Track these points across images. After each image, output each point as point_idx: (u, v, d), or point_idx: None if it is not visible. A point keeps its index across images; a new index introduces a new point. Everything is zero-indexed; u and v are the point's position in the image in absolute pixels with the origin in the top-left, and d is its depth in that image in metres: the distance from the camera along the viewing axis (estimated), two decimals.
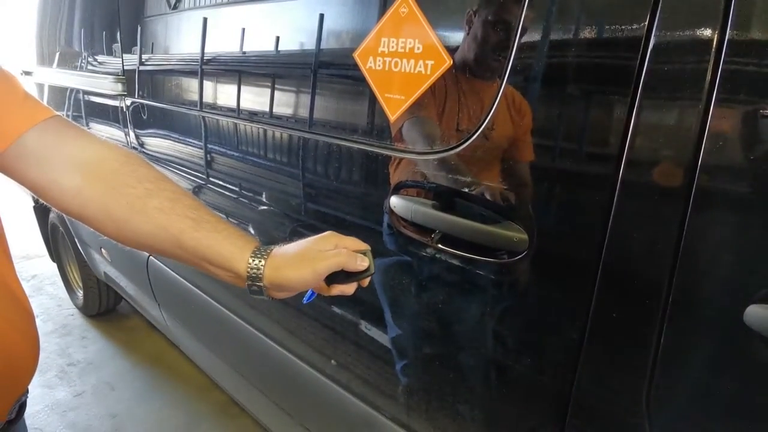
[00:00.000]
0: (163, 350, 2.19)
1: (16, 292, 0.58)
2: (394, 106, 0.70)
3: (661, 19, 0.48)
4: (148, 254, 1.58)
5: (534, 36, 0.57)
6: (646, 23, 0.48)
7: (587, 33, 0.53)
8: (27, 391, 0.61)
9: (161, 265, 1.51)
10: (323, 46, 0.83)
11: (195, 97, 1.19)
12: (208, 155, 1.22)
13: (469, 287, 0.70)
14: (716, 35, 0.45)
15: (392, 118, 0.71)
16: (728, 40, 0.44)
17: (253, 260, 0.53)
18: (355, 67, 0.74)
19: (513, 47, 0.58)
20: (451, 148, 0.66)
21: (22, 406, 0.61)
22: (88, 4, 1.71)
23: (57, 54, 1.97)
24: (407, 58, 0.67)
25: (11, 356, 0.55)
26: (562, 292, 0.60)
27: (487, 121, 0.62)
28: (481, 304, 0.69)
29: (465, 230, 0.65)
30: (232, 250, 0.54)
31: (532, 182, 0.60)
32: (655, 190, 0.50)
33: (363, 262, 0.53)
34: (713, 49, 0.45)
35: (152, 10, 1.34)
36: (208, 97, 1.16)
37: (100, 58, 1.62)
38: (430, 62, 0.65)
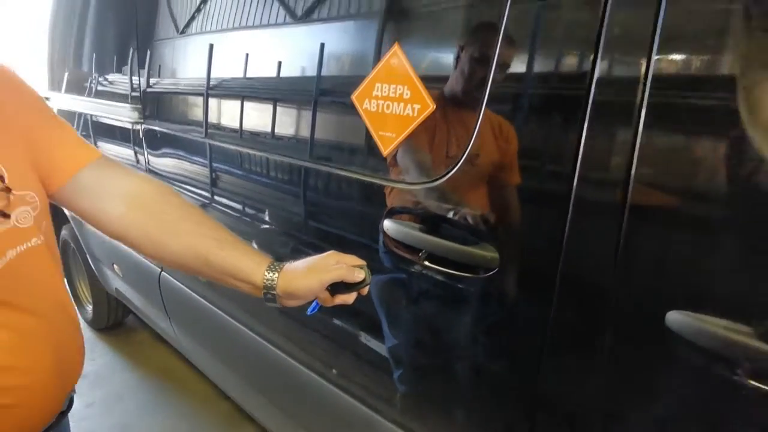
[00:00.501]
0: (170, 363, 2.28)
1: (67, 305, 0.68)
2: (387, 142, 0.82)
3: (602, 57, 0.59)
4: (160, 269, 1.68)
5: (505, 71, 0.68)
6: (590, 63, 0.60)
7: (544, 67, 0.65)
8: (74, 389, 0.72)
9: (173, 280, 1.61)
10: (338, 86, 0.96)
11: (208, 122, 1.31)
12: (217, 176, 1.34)
13: (451, 300, 0.80)
14: (643, 72, 0.56)
15: (385, 152, 0.83)
16: (652, 76, 0.55)
17: (269, 273, 0.64)
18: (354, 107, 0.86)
19: (489, 80, 0.69)
20: (437, 179, 0.78)
21: (71, 401, 0.71)
22: (102, 28, 1.85)
23: (71, 78, 2.10)
24: (397, 102, 0.79)
25: (66, 358, 0.66)
26: (529, 303, 0.70)
27: (469, 148, 0.73)
28: (462, 314, 0.79)
29: (447, 250, 0.76)
30: (251, 265, 0.65)
31: (501, 206, 0.72)
32: (596, 210, 0.61)
33: (359, 275, 0.64)
34: (640, 84, 0.56)
35: (165, 33, 1.48)
36: (215, 123, 1.28)
37: (113, 78, 1.75)
38: (417, 106, 0.77)
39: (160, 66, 1.51)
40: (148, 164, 1.64)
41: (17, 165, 0.61)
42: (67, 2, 2.13)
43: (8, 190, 0.58)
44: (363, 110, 0.84)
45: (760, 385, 0.52)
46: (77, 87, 2.06)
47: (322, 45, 0.96)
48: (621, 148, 0.58)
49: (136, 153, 1.70)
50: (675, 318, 0.56)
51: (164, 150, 1.54)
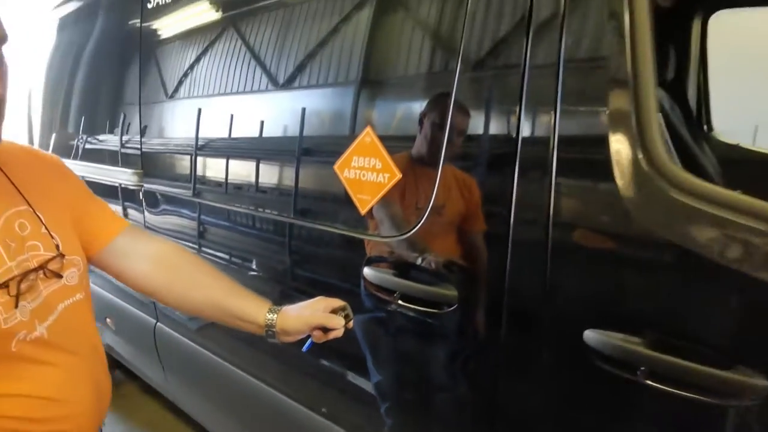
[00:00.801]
0: (158, 415, 2.31)
1: (100, 347, 0.82)
2: (364, 203, 1.00)
3: (524, 119, 0.78)
4: (155, 321, 1.78)
5: (457, 133, 0.87)
6: (516, 127, 0.79)
7: (486, 130, 0.84)
8: (104, 422, 0.84)
9: (169, 330, 1.71)
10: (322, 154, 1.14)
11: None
12: (218, 231, 1.49)
13: (422, 333, 0.96)
14: (552, 131, 0.75)
15: (363, 212, 1.00)
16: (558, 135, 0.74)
17: (269, 315, 0.80)
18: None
19: (444, 141, 0.88)
20: (406, 232, 0.95)
21: (101, 430, 0.83)
22: (93, 91, 2.02)
23: (58, 139, 2.24)
24: (371, 171, 0.98)
25: (101, 391, 0.79)
26: (484, 331, 0.87)
27: (432, 200, 0.90)
28: (431, 345, 0.95)
29: (416, 291, 0.93)
30: (255, 309, 0.80)
31: (458, 251, 0.89)
32: (528, 249, 0.78)
33: (339, 321, 0.77)
34: (551, 143, 0.75)
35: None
36: (204, 182, 1.44)
37: (104, 138, 1.91)
38: (386, 175, 0.96)
39: (159, 128, 1.68)
40: (146, 223, 1.78)
41: (67, 235, 0.76)
42: (58, 67, 2.31)
43: (62, 255, 0.73)
44: (343, 177, 1.03)
45: (650, 383, 0.68)
46: (65, 148, 2.20)
47: (303, 109, 1.15)
48: (540, 195, 0.76)
49: (124, 209, 1.84)
50: (589, 335, 0.73)
51: (163, 208, 1.69)
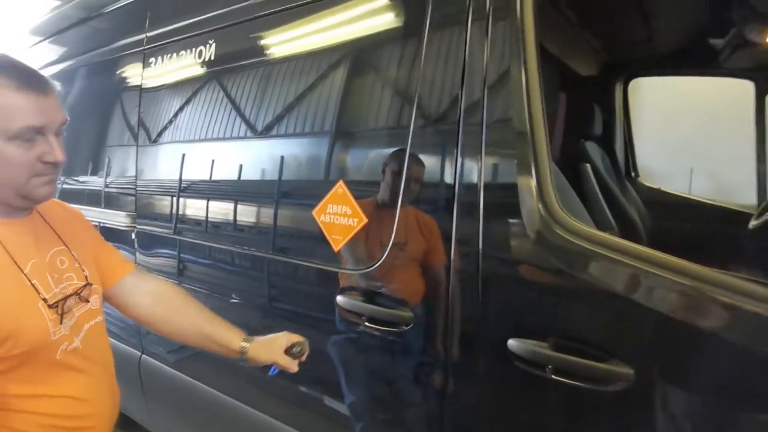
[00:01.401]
0: None
1: (112, 360, 0.99)
2: (337, 243, 1.22)
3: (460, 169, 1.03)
4: (140, 353, 1.91)
5: (413, 180, 1.10)
6: (455, 175, 1.03)
7: (434, 177, 1.08)
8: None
9: (155, 361, 1.84)
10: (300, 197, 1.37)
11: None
12: (202, 266, 1.67)
13: (386, 349, 1.16)
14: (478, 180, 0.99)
15: (336, 249, 1.22)
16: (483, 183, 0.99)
17: (243, 343, 1.01)
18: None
19: (401, 187, 1.10)
20: (371, 266, 1.17)
21: None
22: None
23: None
24: (343, 217, 1.20)
25: (115, 399, 0.97)
26: (435, 347, 1.08)
27: (393, 238, 1.12)
28: (393, 359, 1.15)
29: (379, 313, 1.14)
30: (232, 337, 1.02)
31: (413, 280, 1.11)
32: (465, 277, 1.01)
33: (291, 364, 1.00)
34: (479, 189, 0.99)
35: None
36: (185, 220, 1.64)
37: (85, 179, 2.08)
38: (355, 219, 1.19)
39: (153, 173, 1.87)
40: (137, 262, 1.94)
41: (92, 269, 0.96)
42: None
43: (90, 285, 0.92)
44: (320, 221, 1.25)
45: (555, 377, 0.90)
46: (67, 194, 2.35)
47: (282, 157, 1.38)
48: (473, 232, 0.99)
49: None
50: (511, 343, 0.95)
51: (156, 250, 1.86)
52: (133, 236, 1.88)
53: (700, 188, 3.09)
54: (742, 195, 2.34)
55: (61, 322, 0.84)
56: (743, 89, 2.02)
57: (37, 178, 0.80)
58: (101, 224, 2.10)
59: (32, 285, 0.81)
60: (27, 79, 0.76)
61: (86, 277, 0.93)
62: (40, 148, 0.78)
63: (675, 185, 2.73)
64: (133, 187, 1.89)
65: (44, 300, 0.82)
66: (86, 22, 2.30)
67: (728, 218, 2.14)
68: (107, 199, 2.08)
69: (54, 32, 2.52)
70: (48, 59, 2.54)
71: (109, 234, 2.05)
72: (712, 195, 2.55)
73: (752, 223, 1.81)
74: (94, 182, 2.17)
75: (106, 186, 2.08)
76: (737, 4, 1.43)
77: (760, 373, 0.75)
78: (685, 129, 3.06)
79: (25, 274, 0.80)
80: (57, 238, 0.92)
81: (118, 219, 1.95)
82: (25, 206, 0.85)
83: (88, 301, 0.92)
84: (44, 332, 0.81)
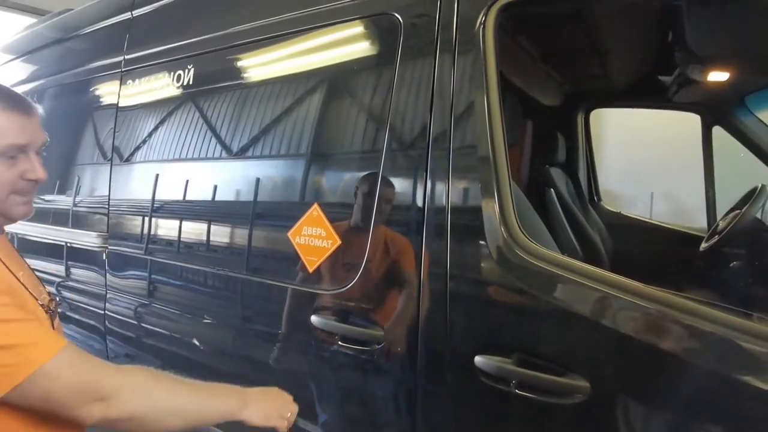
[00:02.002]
0: None
1: None
2: (312, 264, 1.25)
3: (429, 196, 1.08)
4: None
5: (383, 202, 1.16)
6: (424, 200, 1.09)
7: (404, 200, 1.14)
8: None
9: None
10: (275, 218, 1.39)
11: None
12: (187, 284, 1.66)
13: (358, 368, 1.19)
14: (446, 203, 1.05)
15: (310, 270, 1.25)
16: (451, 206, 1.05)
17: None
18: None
19: (374, 209, 1.15)
20: (344, 286, 1.20)
21: None
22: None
23: None
24: (317, 239, 1.24)
25: None
26: (404, 364, 1.11)
27: (365, 259, 1.16)
28: (365, 376, 1.18)
29: (352, 333, 1.17)
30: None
31: (384, 299, 1.15)
32: (433, 297, 1.05)
33: None
34: (446, 212, 1.04)
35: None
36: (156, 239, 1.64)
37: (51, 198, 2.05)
38: (330, 241, 1.22)
39: (126, 193, 1.86)
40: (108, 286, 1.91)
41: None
42: None
43: (54, 299, 0.93)
44: (295, 243, 1.28)
45: (518, 392, 0.95)
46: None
47: (258, 179, 1.41)
48: (441, 253, 1.05)
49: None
50: (478, 359, 1.00)
51: (129, 272, 1.84)
52: (104, 257, 1.86)
53: (656, 211, 3.28)
54: (694, 218, 2.50)
55: (53, 326, 0.86)
56: (693, 121, 2.19)
57: (16, 196, 0.82)
58: (68, 244, 2.07)
59: (30, 293, 0.83)
60: (12, 99, 0.80)
61: (49, 293, 0.94)
62: (22, 166, 0.80)
63: (634, 209, 2.88)
64: (106, 207, 1.87)
65: (42, 306, 0.84)
66: (62, 42, 2.30)
67: (682, 240, 2.28)
68: (75, 219, 2.05)
69: (28, 51, 2.50)
70: (20, 78, 2.51)
71: (77, 255, 2.02)
72: (668, 218, 2.71)
73: (703, 246, 1.95)
74: (63, 201, 2.14)
75: (75, 205, 2.06)
76: (683, 47, 1.57)
77: (708, 387, 0.81)
78: (642, 156, 3.25)
79: (21, 283, 0.82)
80: (20, 258, 0.94)
81: (88, 239, 1.93)
82: (1, 224, 0.86)
83: (57, 314, 0.93)
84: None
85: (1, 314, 0.71)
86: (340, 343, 1.19)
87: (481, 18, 1.04)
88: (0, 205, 0.81)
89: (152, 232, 1.72)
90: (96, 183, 1.98)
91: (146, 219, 1.74)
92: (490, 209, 1.00)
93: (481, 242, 1.00)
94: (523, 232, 0.98)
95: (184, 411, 0.82)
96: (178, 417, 0.81)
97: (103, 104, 2.00)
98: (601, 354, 0.91)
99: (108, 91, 1.97)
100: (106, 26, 2.03)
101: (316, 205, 1.26)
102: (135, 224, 1.81)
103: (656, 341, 0.85)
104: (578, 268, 0.93)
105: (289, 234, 1.29)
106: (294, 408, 0.93)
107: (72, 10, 2.42)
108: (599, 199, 2.60)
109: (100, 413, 0.74)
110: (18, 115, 0.79)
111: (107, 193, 1.88)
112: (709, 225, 2.23)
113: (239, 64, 1.53)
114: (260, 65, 1.50)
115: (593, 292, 0.89)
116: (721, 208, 2.15)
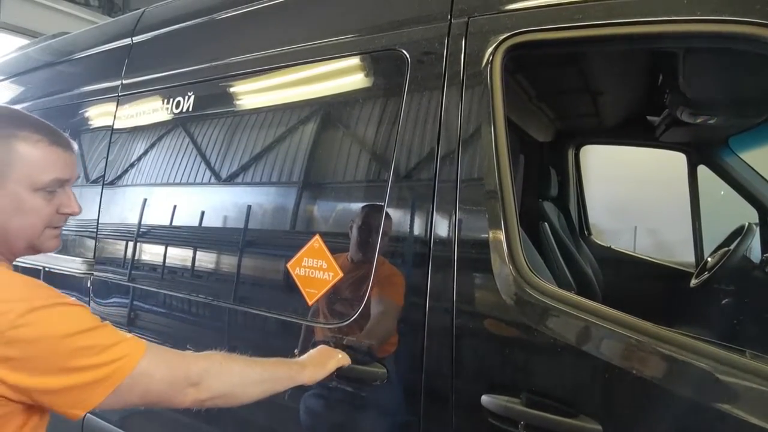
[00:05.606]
0: None
1: None
2: (312, 296, 1.22)
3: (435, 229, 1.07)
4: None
5: (386, 235, 1.13)
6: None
7: (406, 233, 1.12)
8: None
9: (99, 421, 1.70)
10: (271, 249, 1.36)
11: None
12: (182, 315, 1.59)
13: (358, 406, 1.15)
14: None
15: (310, 303, 1.22)
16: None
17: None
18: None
19: (378, 241, 1.13)
20: (346, 320, 1.17)
21: None
22: None
23: None
24: (318, 270, 1.21)
25: None
26: (407, 402, 1.08)
27: (368, 293, 1.13)
28: (366, 415, 1.13)
29: (353, 370, 1.13)
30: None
31: (388, 336, 1.12)
32: (439, 333, 1.03)
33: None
34: (453, 246, 1.03)
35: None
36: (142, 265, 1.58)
37: None
38: (330, 274, 1.20)
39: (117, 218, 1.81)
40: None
41: None
42: None
43: None
44: (295, 274, 1.25)
45: None
46: None
47: (262, 210, 1.39)
48: (447, 287, 1.03)
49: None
50: (485, 399, 0.97)
51: (114, 299, 1.77)
52: (89, 284, 1.79)
53: (643, 246, 3.34)
54: (681, 253, 2.55)
55: None
56: (679, 160, 2.26)
57: (50, 229, 0.84)
58: (47, 269, 1.99)
59: None
60: (56, 135, 0.84)
61: None
62: (59, 200, 0.84)
63: (623, 243, 2.93)
64: (94, 232, 1.81)
65: None
66: (57, 65, 2.28)
67: (671, 276, 2.32)
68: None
69: (22, 71, 2.47)
70: (12, 97, 2.47)
71: (58, 280, 1.94)
72: (654, 253, 2.76)
73: (693, 282, 1.97)
74: None
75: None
76: (669, 90, 1.63)
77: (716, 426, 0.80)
78: (630, 192, 3.34)
79: None
80: None
81: (72, 265, 1.86)
82: (26, 255, 0.86)
83: None
84: None
85: (88, 320, 0.75)
86: (338, 380, 1.15)
87: (488, 56, 1.06)
88: (35, 238, 0.82)
89: (141, 258, 1.67)
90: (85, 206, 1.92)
91: (132, 244, 1.69)
92: (498, 244, 0.99)
93: (489, 277, 0.99)
94: (530, 268, 0.98)
95: (260, 381, 0.93)
96: (255, 388, 0.92)
97: (97, 126, 1.96)
98: (613, 396, 0.90)
99: (104, 115, 1.94)
100: (105, 51, 2.02)
101: (317, 237, 1.24)
102: (121, 250, 1.76)
103: (671, 383, 0.84)
104: (589, 307, 0.92)
105: (289, 265, 1.26)
106: (342, 353, 1.07)
107: (68, 33, 2.41)
108: (589, 233, 2.64)
109: (193, 397, 0.83)
110: (62, 150, 0.83)
111: (96, 218, 1.83)
112: (696, 260, 2.27)
113: (246, 94, 1.53)
114: (266, 96, 1.50)
115: (605, 332, 0.89)
116: (708, 245, 2.20)
